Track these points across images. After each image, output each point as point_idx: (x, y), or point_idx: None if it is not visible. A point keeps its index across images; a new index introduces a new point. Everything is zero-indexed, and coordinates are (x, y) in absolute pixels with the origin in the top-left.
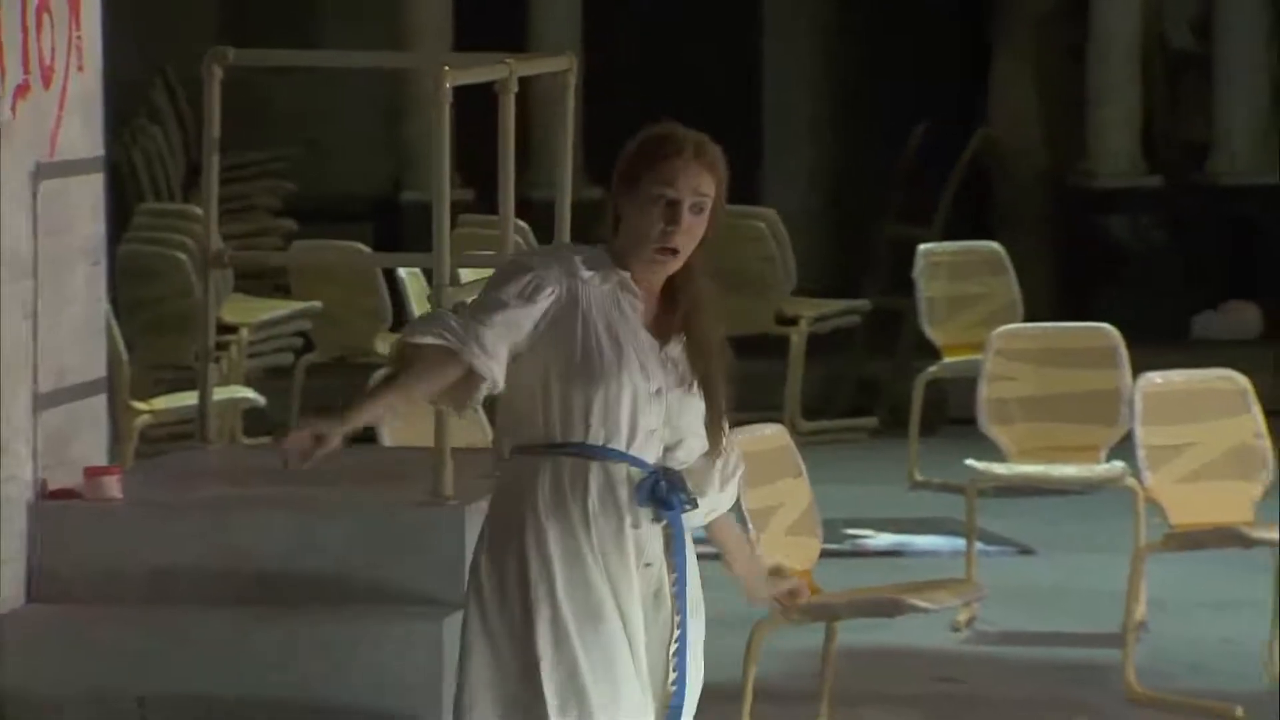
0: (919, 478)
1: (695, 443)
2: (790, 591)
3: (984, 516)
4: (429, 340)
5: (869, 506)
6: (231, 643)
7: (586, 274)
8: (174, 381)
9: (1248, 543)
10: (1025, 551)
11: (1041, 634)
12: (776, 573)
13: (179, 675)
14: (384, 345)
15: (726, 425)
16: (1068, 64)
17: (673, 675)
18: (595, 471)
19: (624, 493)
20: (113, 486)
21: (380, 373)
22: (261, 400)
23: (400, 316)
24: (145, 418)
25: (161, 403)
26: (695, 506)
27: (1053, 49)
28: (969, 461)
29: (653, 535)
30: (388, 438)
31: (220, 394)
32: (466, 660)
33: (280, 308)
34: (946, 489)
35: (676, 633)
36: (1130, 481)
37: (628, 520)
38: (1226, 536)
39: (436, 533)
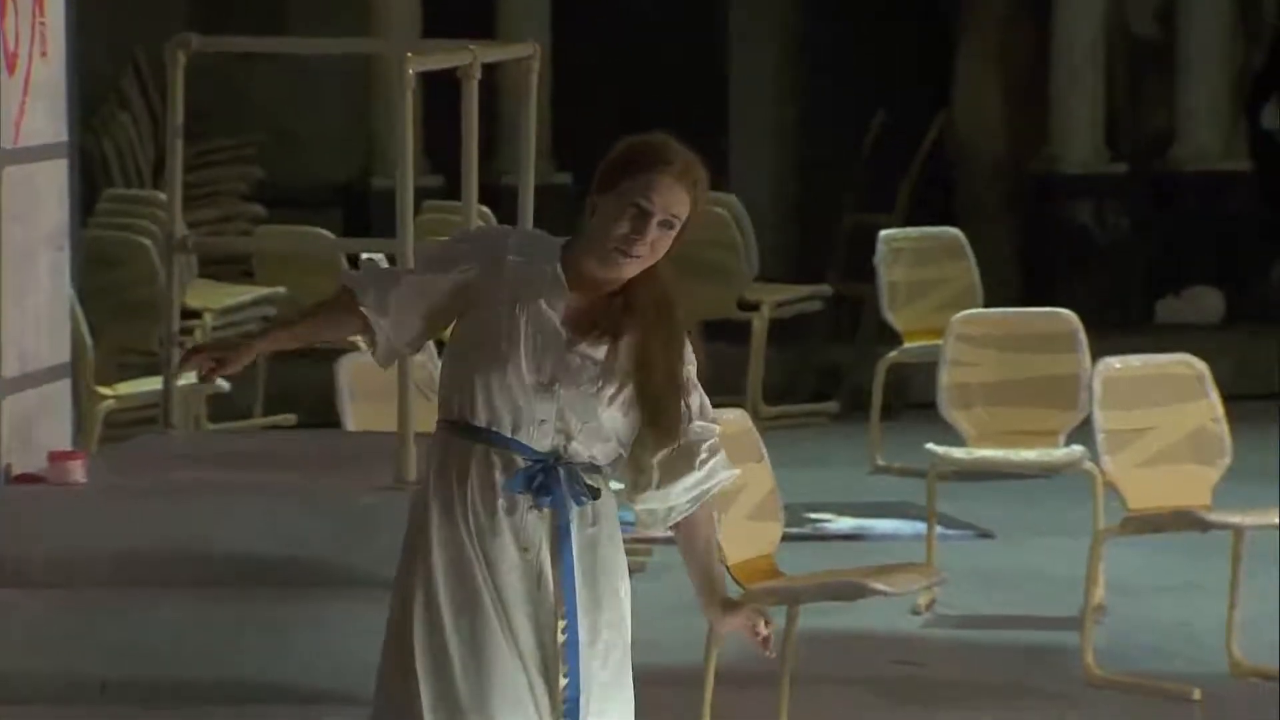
0: (880, 462)
1: (597, 444)
2: (760, 634)
3: (944, 500)
4: (348, 285)
5: (830, 491)
6: (195, 626)
7: (513, 258)
8: (140, 367)
9: (1205, 526)
10: (985, 535)
11: (1001, 617)
12: (749, 605)
13: (143, 658)
14: None
15: (682, 423)
16: (1031, 52)
17: (564, 668)
18: (477, 453)
19: (500, 477)
20: (77, 471)
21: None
22: (225, 385)
23: None
24: (109, 403)
25: (125, 388)
26: (594, 498)
27: (1016, 37)
28: (929, 446)
29: (534, 522)
30: (352, 422)
31: (184, 379)
32: (385, 644)
33: (244, 293)
34: (907, 473)
35: (563, 623)
36: (1089, 466)
37: (501, 504)
38: (1184, 520)
39: (399, 517)
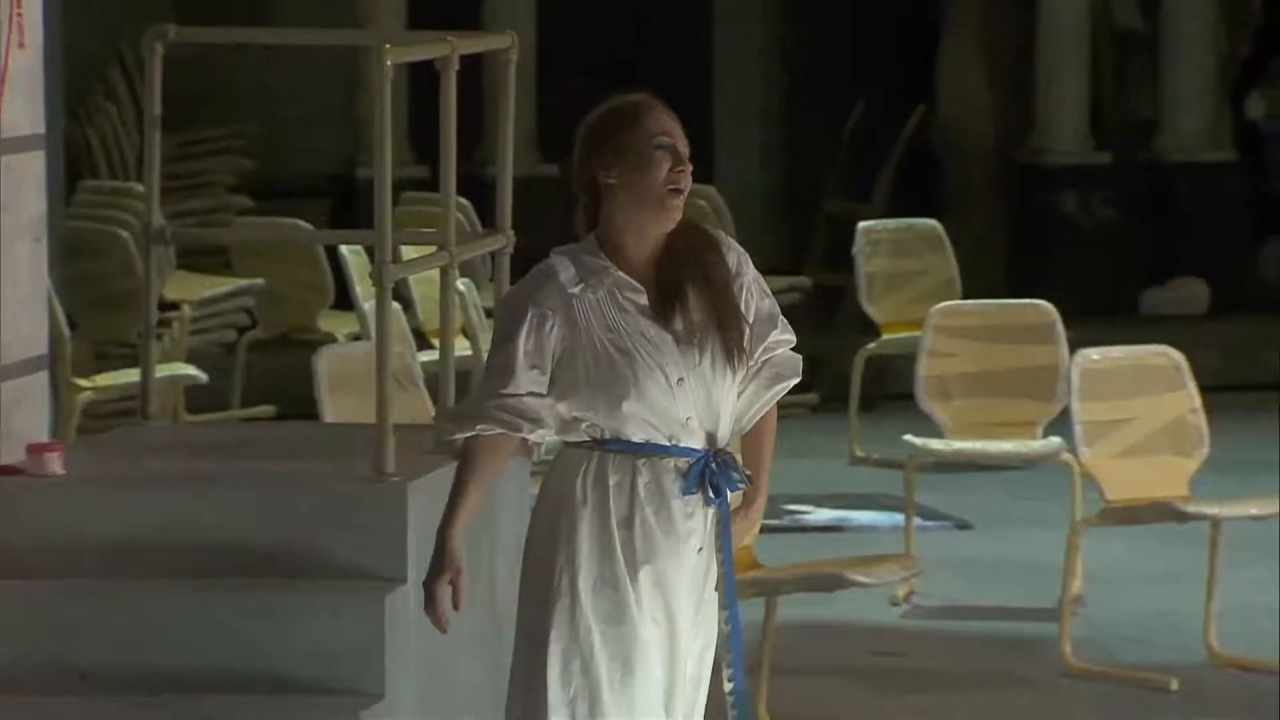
0: (859, 453)
1: (726, 420)
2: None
3: (923, 491)
4: (481, 431)
5: (809, 482)
6: (174, 617)
7: (575, 289)
8: (120, 358)
9: (1183, 517)
10: (963, 526)
11: (979, 608)
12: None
13: (122, 649)
14: (326, 322)
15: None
16: (1017, 42)
17: (728, 656)
18: (642, 467)
19: (671, 483)
20: (55, 463)
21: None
22: (203, 377)
23: (343, 293)
24: (87, 394)
25: (104, 379)
26: (748, 483)
27: (1002, 28)
28: (908, 437)
29: (708, 518)
30: (330, 414)
31: (162, 371)
32: (515, 655)
33: (223, 284)
34: (886, 464)
35: (725, 613)
36: (1067, 457)
37: (679, 511)
38: (1162, 511)
39: (379, 509)
